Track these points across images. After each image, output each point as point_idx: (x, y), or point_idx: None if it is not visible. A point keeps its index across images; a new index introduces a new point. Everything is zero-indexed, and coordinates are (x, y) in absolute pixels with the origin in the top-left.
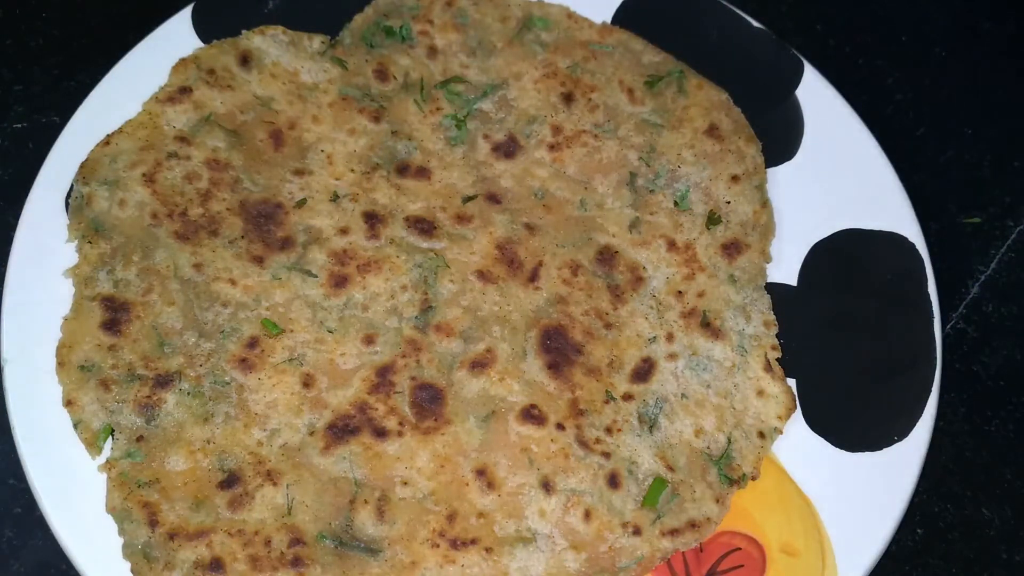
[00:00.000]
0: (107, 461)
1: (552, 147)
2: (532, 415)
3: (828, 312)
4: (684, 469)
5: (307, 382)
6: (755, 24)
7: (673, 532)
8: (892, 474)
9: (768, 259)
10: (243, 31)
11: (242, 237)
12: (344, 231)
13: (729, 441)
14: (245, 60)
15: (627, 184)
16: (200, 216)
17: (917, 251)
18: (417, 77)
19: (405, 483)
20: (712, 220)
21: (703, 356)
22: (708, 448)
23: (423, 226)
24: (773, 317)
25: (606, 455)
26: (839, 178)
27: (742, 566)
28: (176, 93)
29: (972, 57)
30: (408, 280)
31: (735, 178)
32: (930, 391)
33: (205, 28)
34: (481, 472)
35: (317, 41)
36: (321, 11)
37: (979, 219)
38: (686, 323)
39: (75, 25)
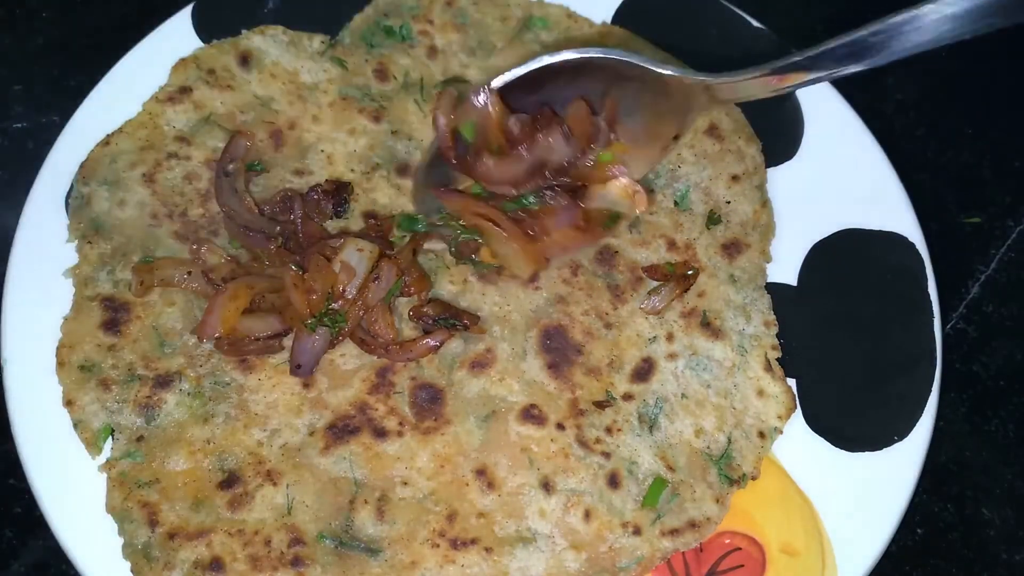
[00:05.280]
0: (107, 461)
1: None
2: (532, 415)
3: (828, 312)
4: (684, 469)
5: (307, 382)
6: (755, 24)
7: (673, 532)
8: (892, 474)
9: (768, 259)
10: (243, 31)
11: None
12: (344, 231)
13: (729, 441)
14: (245, 60)
15: None
16: (200, 216)
17: (917, 251)
18: (417, 77)
19: (405, 483)
20: (712, 220)
21: (703, 356)
22: (708, 448)
23: None
24: (773, 317)
25: (606, 455)
26: (839, 178)
27: (742, 566)
28: (176, 93)
29: (972, 57)
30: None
31: (735, 178)
32: (930, 391)
33: (205, 28)
34: (481, 472)
35: (317, 41)
36: (321, 11)
37: (979, 219)
38: (686, 323)
39: (75, 25)
